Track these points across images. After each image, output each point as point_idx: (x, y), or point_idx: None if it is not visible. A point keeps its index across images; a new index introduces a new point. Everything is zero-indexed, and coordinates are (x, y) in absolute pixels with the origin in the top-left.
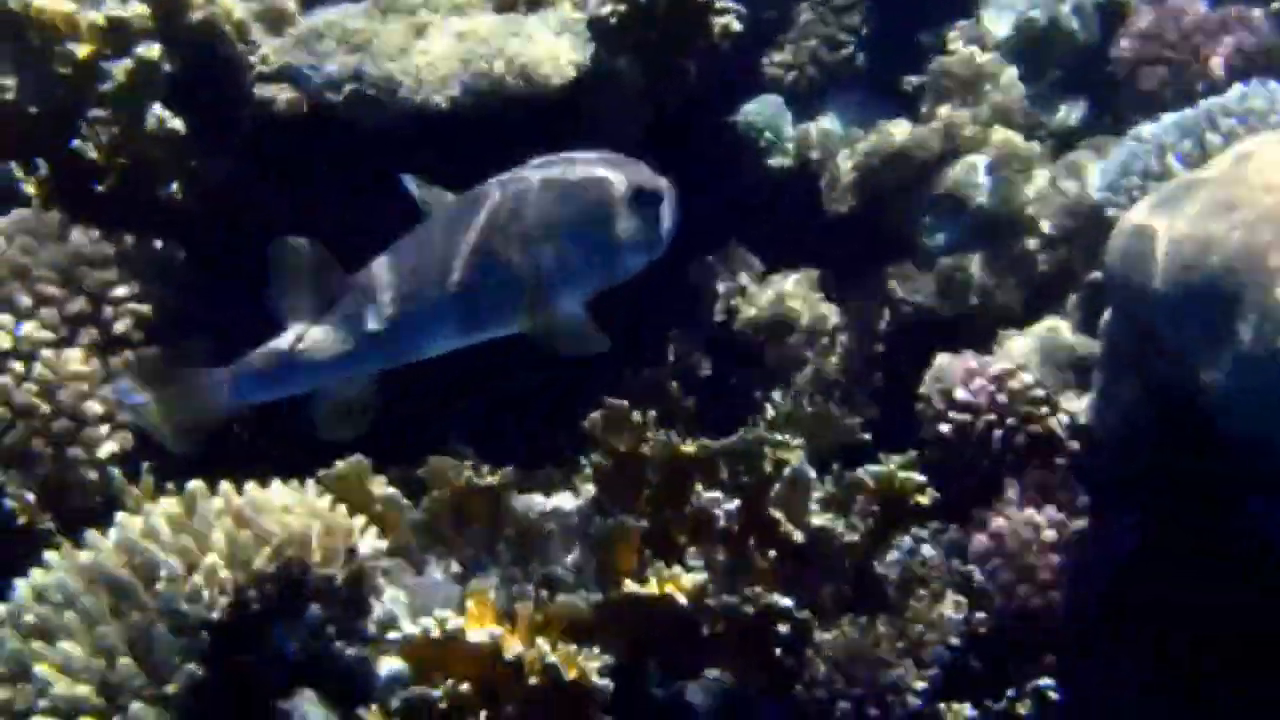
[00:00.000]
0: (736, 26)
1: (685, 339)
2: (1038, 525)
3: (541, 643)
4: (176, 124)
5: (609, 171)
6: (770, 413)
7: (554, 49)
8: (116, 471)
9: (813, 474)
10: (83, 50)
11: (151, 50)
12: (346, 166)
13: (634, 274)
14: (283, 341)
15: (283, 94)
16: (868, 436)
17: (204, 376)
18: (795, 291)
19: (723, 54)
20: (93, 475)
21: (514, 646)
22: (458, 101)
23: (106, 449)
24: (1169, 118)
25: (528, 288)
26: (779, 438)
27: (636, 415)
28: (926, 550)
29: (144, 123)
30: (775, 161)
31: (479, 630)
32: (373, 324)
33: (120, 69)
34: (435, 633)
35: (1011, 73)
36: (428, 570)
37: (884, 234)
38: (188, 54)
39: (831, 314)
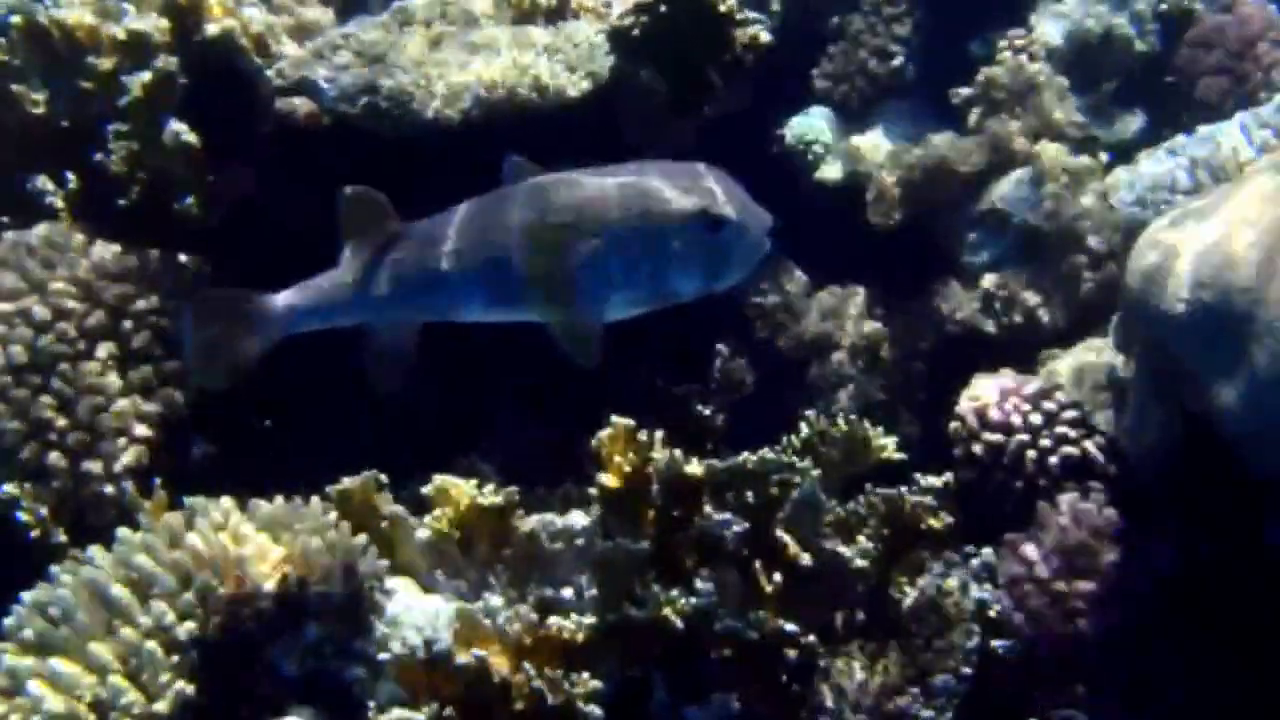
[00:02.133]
0: (766, 38)
1: (730, 353)
2: (1069, 551)
3: (528, 667)
4: (191, 138)
5: (682, 188)
6: (804, 430)
7: (570, 61)
8: (130, 485)
9: (823, 496)
10: (105, 63)
11: (168, 64)
12: (366, 178)
13: (688, 298)
14: (331, 275)
15: (302, 107)
16: (902, 456)
17: (258, 301)
18: (840, 308)
19: (755, 66)
20: (109, 489)
21: (500, 670)
22: (470, 115)
23: (122, 463)
24: (1204, 129)
25: (552, 277)
26: (788, 459)
27: (643, 434)
28: (941, 578)
29: (160, 136)
30: (822, 175)
31: (466, 653)
32: (413, 275)
33: (137, 82)
34: (422, 654)
35: (1061, 83)
36: (432, 590)
37: (930, 249)
38: (205, 67)
39: (876, 331)
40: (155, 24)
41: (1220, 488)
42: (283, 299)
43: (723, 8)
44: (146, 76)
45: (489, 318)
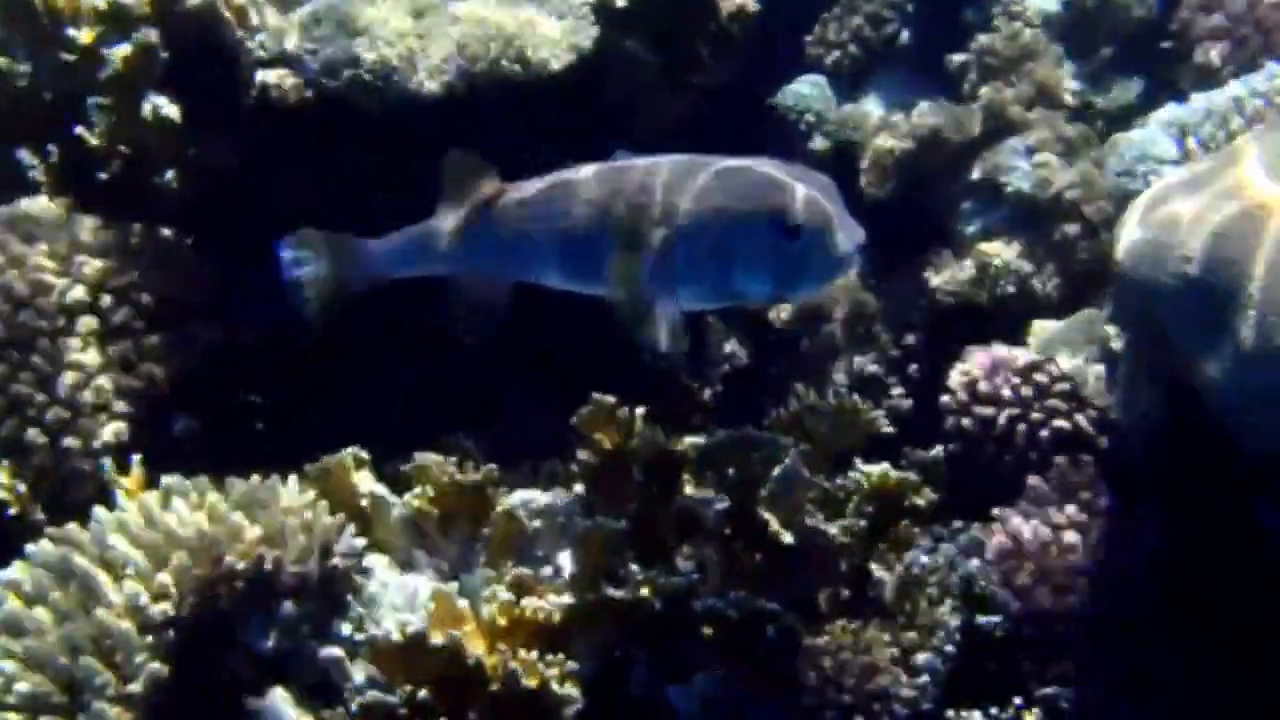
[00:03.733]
0: (754, 7)
1: (722, 327)
2: (1059, 526)
3: (503, 648)
4: (172, 111)
5: (767, 188)
6: (793, 404)
7: (553, 32)
8: (108, 462)
9: (806, 472)
10: (86, 35)
11: (149, 36)
12: (351, 151)
13: (757, 302)
14: (428, 225)
15: (285, 80)
16: (891, 430)
17: (358, 244)
18: None
19: (743, 36)
20: (87, 466)
21: (475, 651)
22: (452, 86)
23: (101, 439)
24: (1194, 98)
25: (619, 257)
26: (769, 435)
27: (624, 411)
28: (925, 555)
29: (140, 110)
30: (816, 144)
31: (441, 634)
32: (503, 233)
33: (117, 55)
34: (396, 636)
35: (1056, 50)
36: (412, 569)
37: (924, 219)
38: (187, 39)
39: (870, 302)
40: None
41: (1209, 465)
42: (380, 243)
43: None
44: (127, 49)
45: (566, 286)
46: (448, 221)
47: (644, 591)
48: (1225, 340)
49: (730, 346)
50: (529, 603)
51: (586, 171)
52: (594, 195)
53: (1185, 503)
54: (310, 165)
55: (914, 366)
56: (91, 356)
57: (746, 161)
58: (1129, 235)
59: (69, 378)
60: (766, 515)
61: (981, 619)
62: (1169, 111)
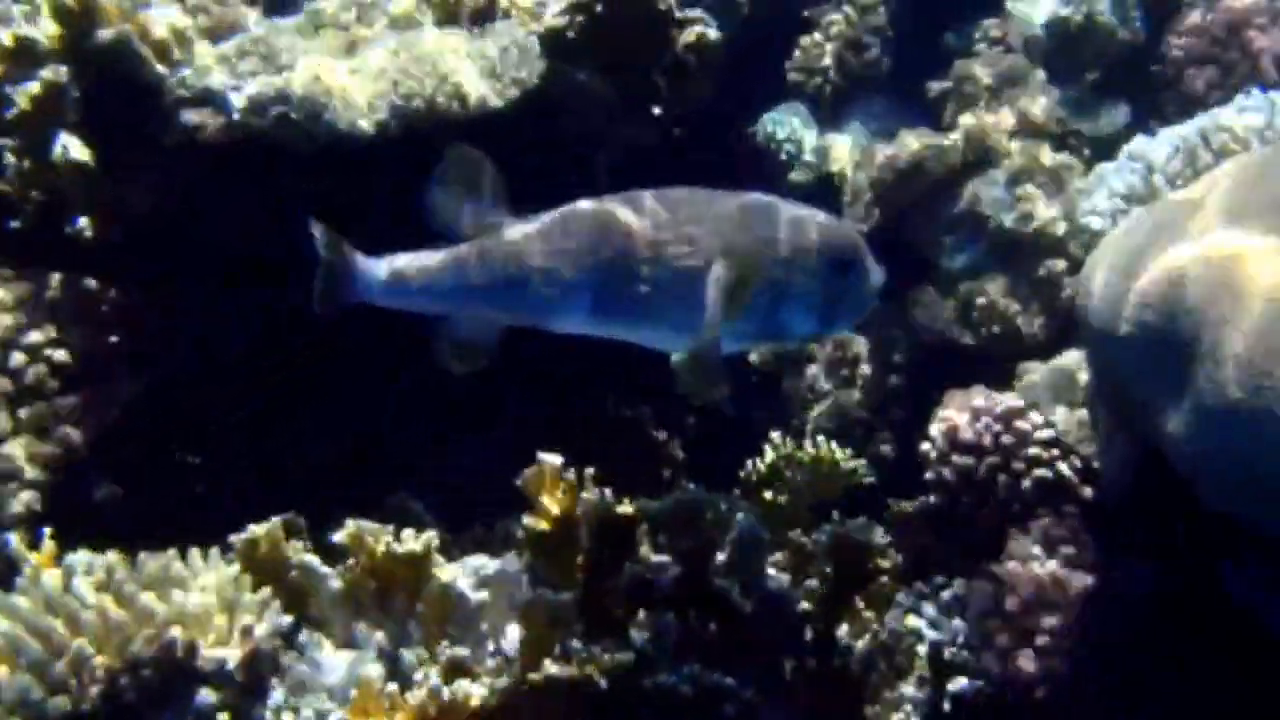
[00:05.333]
0: (713, 36)
1: None
2: (1041, 585)
3: None
4: (83, 154)
5: (818, 222)
6: (769, 455)
7: (496, 66)
8: (14, 537)
9: (764, 535)
10: None
11: (57, 74)
12: (278, 191)
13: (797, 341)
14: (433, 257)
15: (211, 119)
16: (872, 480)
17: (357, 262)
18: None
19: (702, 66)
20: None
21: None
22: (386, 126)
23: (10, 511)
24: (1165, 132)
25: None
26: (720, 498)
27: (571, 473)
28: (897, 619)
29: (50, 153)
30: (796, 175)
31: None
32: (509, 270)
33: (24, 94)
34: None
35: (1039, 76)
36: (344, 646)
37: (907, 252)
38: (100, 76)
39: (854, 342)
40: (45, 30)
41: (1179, 521)
42: (377, 266)
43: (661, 6)
44: (35, 87)
45: (587, 330)
46: (458, 255)
47: (589, 670)
48: (1185, 393)
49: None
50: (460, 687)
51: (613, 202)
52: (634, 228)
53: (1163, 559)
54: (235, 206)
55: (897, 410)
56: (0, 421)
57: (769, 197)
58: (1089, 281)
59: None
60: (722, 582)
61: (959, 684)
62: (1138, 145)
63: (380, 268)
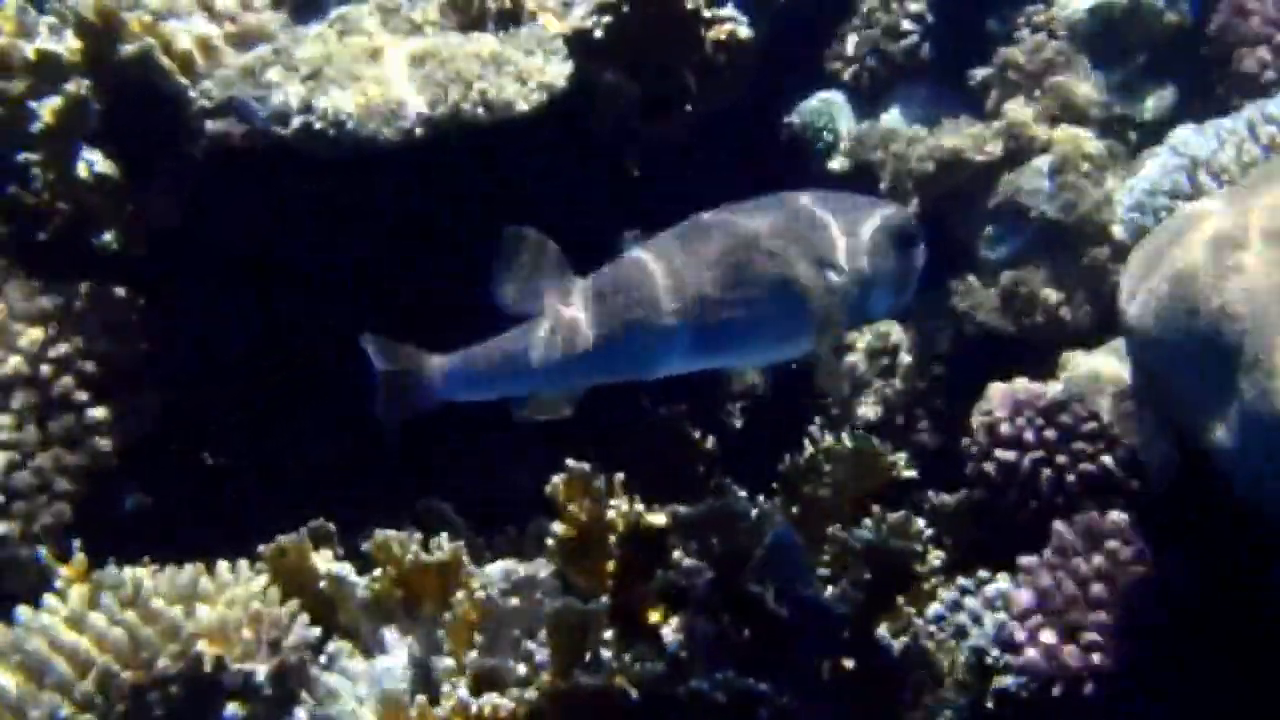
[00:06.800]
0: (745, 34)
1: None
2: (1085, 579)
3: None
4: (107, 168)
5: (875, 205)
6: (808, 449)
7: (523, 70)
8: (44, 550)
9: (798, 539)
10: (17, 87)
11: (80, 87)
12: (306, 201)
13: (876, 319)
14: (505, 341)
15: (235, 129)
16: (912, 474)
17: (421, 364)
18: None
19: (733, 63)
20: (24, 553)
21: None
22: (411, 134)
23: (41, 523)
24: (1210, 125)
25: (821, 309)
26: (756, 503)
27: (599, 480)
28: (938, 620)
29: (74, 166)
30: (835, 164)
31: None
32: (615, 331)
33: (47, 109)
34: None
35: (1083, 62)
36: (374, 656)
37: (948, 243)
38: (123, 90)
39: (894, 332)
40: (68, 44)
41: (1226, 522)
42: (444, 363)
43: (689, 5)
44: (57, 102)
45: (686, 367)
46: (533, 336)
47: (618, 680)
48: (1231, 401)
49: (753, 377)
50: (488, 699)
51: (685, 235)
52: (741, 257)
53: (1205, 557)
54: (263, 217)
55: (939, 401)
56: (30, 434)
57: (819, 191)
58: (1131, 283)
59: (2, 459)
60: (757, 588)
61: (1005, 680)
62: (1181, 137)
63: (448, 364)
